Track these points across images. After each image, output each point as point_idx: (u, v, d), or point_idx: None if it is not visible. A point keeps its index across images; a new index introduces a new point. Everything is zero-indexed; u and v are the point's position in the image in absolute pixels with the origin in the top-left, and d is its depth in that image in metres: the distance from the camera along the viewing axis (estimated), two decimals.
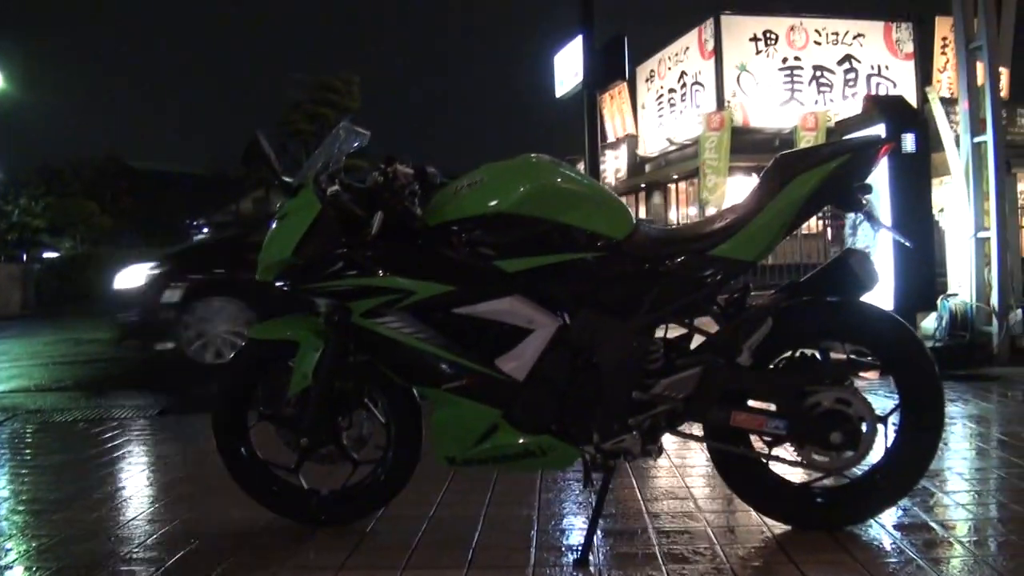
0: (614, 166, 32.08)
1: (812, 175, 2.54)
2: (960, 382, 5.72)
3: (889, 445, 2.69)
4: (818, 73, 25.18)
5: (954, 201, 6.78)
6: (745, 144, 23.36)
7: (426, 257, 2.69)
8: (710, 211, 21.36)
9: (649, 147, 29.97)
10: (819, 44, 25.23)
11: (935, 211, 6.99)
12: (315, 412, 2.83)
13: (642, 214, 30.87)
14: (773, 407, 2.65)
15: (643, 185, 30.54)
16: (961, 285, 6.77)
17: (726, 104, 24.31)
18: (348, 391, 2.90)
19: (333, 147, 2.85)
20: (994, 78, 6.45)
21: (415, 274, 2.66)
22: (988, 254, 6.56)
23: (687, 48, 26.69)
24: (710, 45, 25.18)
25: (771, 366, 2.66)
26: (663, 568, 2.49)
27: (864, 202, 2.61)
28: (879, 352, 2.67)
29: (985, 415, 4.71)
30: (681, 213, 27.49)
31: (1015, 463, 3.56)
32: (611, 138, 32.07)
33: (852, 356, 2.67)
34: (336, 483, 2.97)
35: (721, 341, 2.64)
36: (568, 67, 24.80)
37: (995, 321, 6.50)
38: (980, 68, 6.53)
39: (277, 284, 2.83)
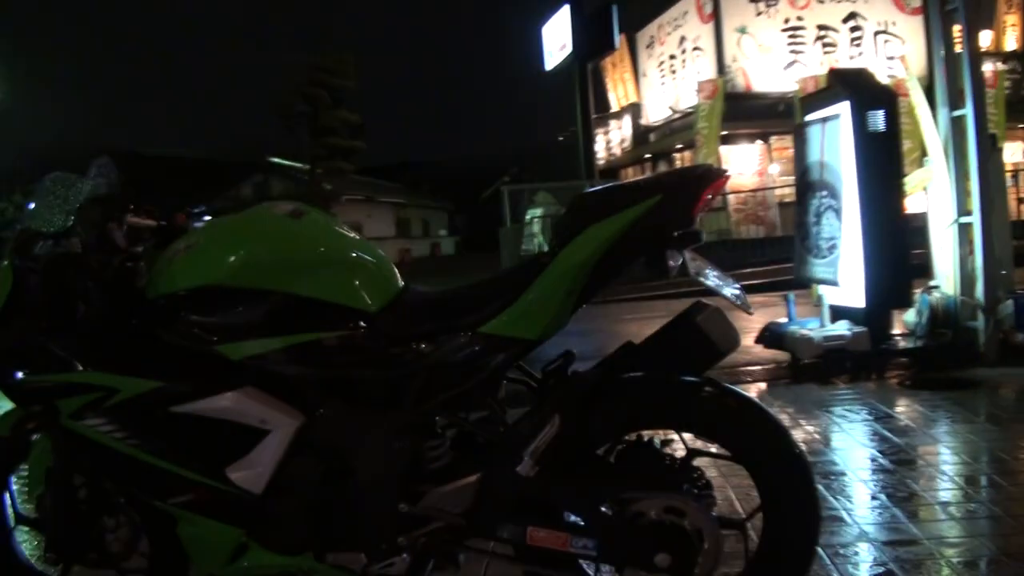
0: (619, 136, 31.20)
1: (604, 227, 1.91)
2: (939, 392, 5.02)
3: (751, 557, 2.06)
4: (822, 33, 24.04)
5: (934, 183, 6.02)
6: (747, 110, 22.33)
7: (133, 345, 2.12)
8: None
9: (652, 116, 29.03)
10: (822, 2, 24.04)
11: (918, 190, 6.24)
12: (55, 520, 2.26)
13: None
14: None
15: (648, 155, 29.67)
16: (944, 276, 6.03)
17: (727, 68, 23.36)
18: (105, 491, 2.30)
19: (56, 192, 2.24)
20: (972, 43, 5.67)
21: (118, 367, 2.09)
22: (972, 241, 5.82)
23: (685, 12, 25.63)
24: (708, 8, 24.09)
25: (580, 466, 2.04)
26: None
27: (681, 261, 1.95)
28: (729, 443, 2.04)
29: (973, 448, 3.97)
30: None
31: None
32: (615, 108, 31.17)
33: (693, 449, 2.06)
34: None
35: (508, 440, 2.01)
36: (556, 39, 24.12)
37: (980, 316, 5.78)
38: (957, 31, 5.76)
39: None
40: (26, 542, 2.73)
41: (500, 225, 18.31)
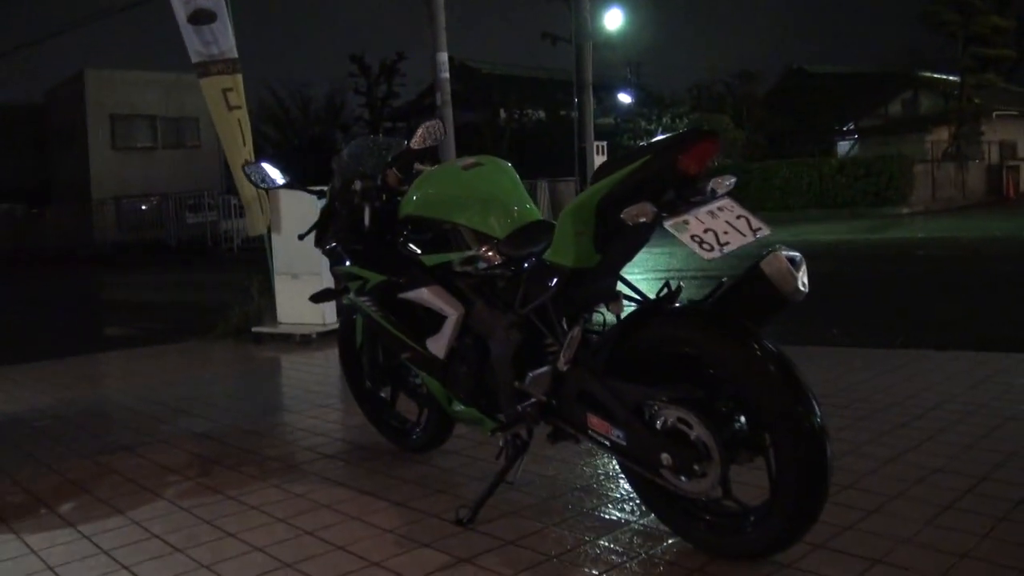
0: None
1: (599, 184, 2.35)
2: None
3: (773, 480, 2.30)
4: None
5: None
6: None
7: (381, 252, 3.20)
8: None
9: None
10: None
11: None
12: (368, 361, 3.68)
13: None
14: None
15: None
16: None
17: None
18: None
19: (369, 148, 3.49)
20: None
21: (370, 265, 3.22)
22: None
23: None
24: None
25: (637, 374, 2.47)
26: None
27: (653, 211, 2.24)
28: (737, 387, 2.33)
29: None
30: None
31: None
32: None
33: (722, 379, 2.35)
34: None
35: (555, 343, 2.67)
36: None
37: None
38: None
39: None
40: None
41: None
